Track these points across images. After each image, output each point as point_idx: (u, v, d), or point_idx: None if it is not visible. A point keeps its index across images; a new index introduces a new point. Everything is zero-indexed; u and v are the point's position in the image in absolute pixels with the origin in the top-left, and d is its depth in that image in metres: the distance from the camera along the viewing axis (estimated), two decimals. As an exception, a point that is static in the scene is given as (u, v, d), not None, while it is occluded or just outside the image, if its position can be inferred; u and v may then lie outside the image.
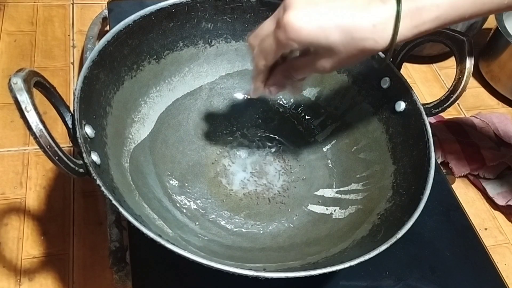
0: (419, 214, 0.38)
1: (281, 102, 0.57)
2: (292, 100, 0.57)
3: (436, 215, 0.52)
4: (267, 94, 0.41)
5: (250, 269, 0.33)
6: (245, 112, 0.56)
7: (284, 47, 0.34)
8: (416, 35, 0.33)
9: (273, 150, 0.54)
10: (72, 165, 0.33)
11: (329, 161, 0.53)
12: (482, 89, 0.94)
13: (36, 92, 0.32)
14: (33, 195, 0.62)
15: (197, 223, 0.45)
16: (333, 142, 0.54)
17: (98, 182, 0.33)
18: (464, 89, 0.44)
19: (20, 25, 0.83)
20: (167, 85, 0.51)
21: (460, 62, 0.43)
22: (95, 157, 0.36)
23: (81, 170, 0.34)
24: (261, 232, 0.47)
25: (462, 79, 0.43)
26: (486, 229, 0.72)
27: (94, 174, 0.34)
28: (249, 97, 0.56)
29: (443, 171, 0.63)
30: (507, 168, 0.75)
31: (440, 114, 0.49)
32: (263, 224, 0.48)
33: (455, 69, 0.44)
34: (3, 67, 0.76)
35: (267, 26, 0.36)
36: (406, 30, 0.32)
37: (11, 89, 0.29)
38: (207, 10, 0.50)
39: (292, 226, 0.48)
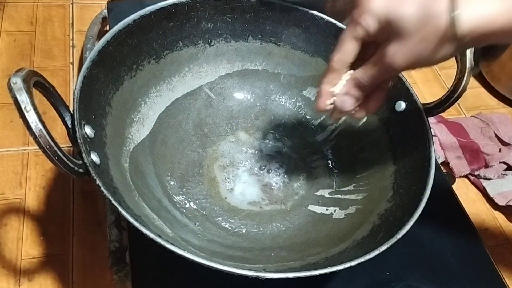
0: (419, 215, 0.38)
1: (281, 103, 0.57)
2: (292, 100, 0.57)
3: (437, 215, 0.52)
4: (339, 109, 0.35)
5: (250, 269, 0.33)
6: (245, 112, 0.56)
7: (357, 27, 0.31)
8: (508, 22, 0.27)
9: (273, 150, 0.54)
10: (71, 165, 0.33)
11: (329, 161, 0.53)
12: (483, 89, 0.94)
13: (35, 92, 0.32)
14: (32, 195, 0.62)
15: (197, 223, 0.45)
16: (333, 142, 0.54)
17: (98, 182, 0.33)
18: (464, 89, 0.44)
19: (19, 25, 0.83)
20: (166, 85, 0.51)
21: (461, 62, 0.43)
22: (94, 157, 0.36)
23: (81, 170, 0.34)
24: (261, 232, 0.47)
25: (463, 79, 0.43)
26: (486, 229, 0.72)
27: (93, 174, 0.34)
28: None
29: (444, 171, 0.63)
30: (507, 168, 0.75)
31: (441, 114, 0.49)
32: (263, 224, 0.48)
33: (456, 69, 0.44)
34: (3, 67, 0.76)
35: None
36: (495, 10, 0.27)
37: (10, 89, 0.29)
38: (207, 10, 0.50)
39: (292, 226, 0.48)
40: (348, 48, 0.33)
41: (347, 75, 0.35)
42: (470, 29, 0.28)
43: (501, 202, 0.72)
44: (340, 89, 0.35)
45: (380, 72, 0.33)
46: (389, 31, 0.30)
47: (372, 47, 0.33)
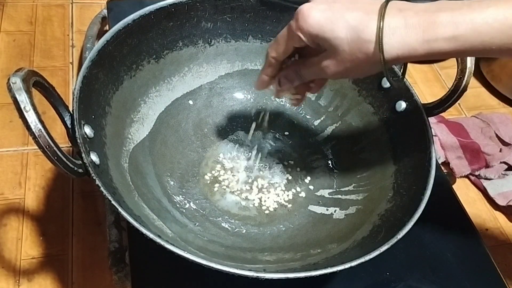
0: (419, 215, 0.38)
1: (281, 103, 0.57)
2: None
3: (437, 215, 0.52)
4: (277, 87, 0.40)
5: (250, 269, 0.33)
6: (245, 112, 0.56)
7: (293, 38, 0.34)
8: (428, 52, 0.31)
9: (273, 150, 0.54)
10: (71, 165, 0.33)
11: (330, 162, 0.53)
12: (483, 89, 0.94)
13: (35, 92, 0.32)
14: (32, 196, 0.62)
15: (197, 223, 0.45)
16: (334, 142, 0.54)
17: (97, 182, 0.33)
18: (465, 89, 0.44)
19: (19, 25, 0.83)
20: (166, 85, 0.51)
21: (461, 62, 0.43)
22: (94, 157, 0.36)
23: (80, 170, 0.33)
24: (261, 232, 0.47)
25: (463, 79, 0.43)
26: (487, 229, 0.71)
27: (93, 174, 0.33)
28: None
29: (444, 171, 0.62)
30: (508, 169, 0.75)
31: (441, 114, 0.49)
32: (263, 224, 0.47)
33: (456, 69, 0.44)
34: (2, 67, 0.75)
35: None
36: (417, 42, 0.30)
37: (10, 89, 0.29)
38: (206, 9, 0.50)
39: (292, 226, 0.48)
40: (282, 50, 0.36)
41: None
42: (395, 55, 0.31)
43: (501, 202, 0.72)
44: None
45: (314, 74, 0.37)
46: (324, 46, 0.33)
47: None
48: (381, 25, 0.30)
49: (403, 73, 0.44)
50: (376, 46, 0.31)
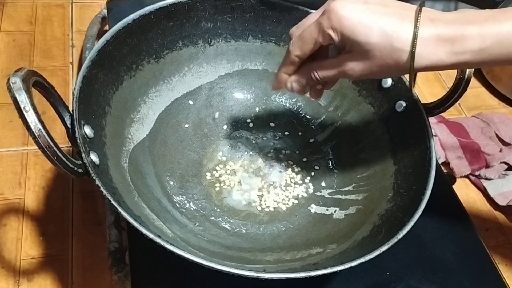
0: (420, 215, 0.38)
1: (281, 103, 0.57)
2: (292, 100, 0.57)
3: (437, 215, 0.52)
4: (289, 90, 0.39)
5: (250, 270, 0.33)
6: (245, 112, 0.56)
7: (323, 36, 0.33)
8: (455, 63, 0.32)
9: (273, 150, 0.54)
10: (71, 165, 0.33)
11: (330, 161, 0.53)
12: (483, 89, 0.93)
13: (35, 92, 0.32)
14: (32, 196, 0.62)
15: (197, 223, 0.45)
16: (334, 142, 0.54)
17: (97, 182, 0.33)
18: (465, 89, 0.44)
19: (19, 25, 0.83)
20: (166, 85, 0.51)
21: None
22: (94, 157, 0.36)
23: (80, 170, 0.33)
24: (261, 232, 0.47)
25: (463, 79, 0.43)
26: (487, 229, 0.71)
27: (93, 174, 0.33)
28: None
29: (444, 171, 0.62)
30: (508, 169, 0.75)
31: (441, 114, 0.49)
32: (263, 224, 0.47)
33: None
34: (2, 67, 0.75)
35: (312, 16, 0.35)
36: (445, 54, 0.31)
37: (10, 89, 0.29)
38: (206, 9, 0.50)
39: (292, 226, 0.48)
40: (308, 49, 0.36)
41: None
42: (424, 65, 0.32)
43: (501, 202, 0.72)
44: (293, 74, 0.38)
45: (335, 76, 0.36)
46: (352, 47, 0.33)
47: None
48: (416, 33, 0.31)
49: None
50: (407, 55, 0.31)
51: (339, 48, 0.35)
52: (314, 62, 0.37)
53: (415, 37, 0.31)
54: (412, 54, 0.31)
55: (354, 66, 0.34)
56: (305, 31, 0.35)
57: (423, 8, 0.32)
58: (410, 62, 0.32)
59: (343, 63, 0.34)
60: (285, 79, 0.39)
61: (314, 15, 0.35)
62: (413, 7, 0.32)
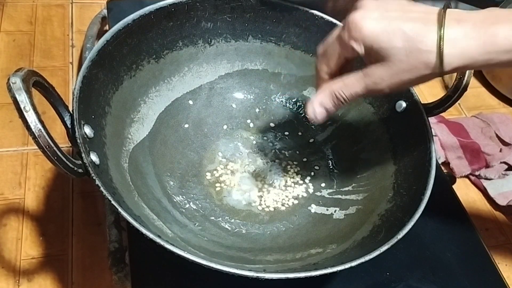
0: (420, 215, 0.38)
1: (281, 103, 0.57)
2: (292, 100, 0.57)
3: (437, 215, 0.52)
4: (312, 119, 0.37)
5: (250, 270, 0.33)
6: (245, 112, 0.56)
7: (346, 48, 0.33)
8: (487, 63, 0.31)
9: (273, 150, 0.54)
10: (71, 165, 0.32)
11: (330, 162, 0.53)
12: (483, 89, 0.93)
13: (35, 92, 0.32)
14: (32, 196, 0.62)
15: (197, 223, 0.45)
16: (334, 142, 0.54)
17: (97, 182, 0.33)
18: (465, 89, 0.44)
19: (19, 25, 0.83)
20: (166, 85, 0.51)
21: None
22: (94, 157, 0.36)
23: (80, 170, 0.33)
24: (261, 232, 0.47)
25: (463, 79, 0.43)
26: (487, 229, 0.71)
27: (93, 174, 0.33)
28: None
29: (444, 171, 0.62)
30: (508, 169, 0.75)
31: (441, 114, 0.49)
32: (263, 224, 0.47)
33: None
34: (2, 67, 0.75)
35: (335, 32, 0.34)
36: (477, 53, 0.30)
37: (9, 89, 0.29)
38: (206, 9, 0.49)
39: (292, 226, 0.48)
40: (334, 64, 0.35)
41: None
42: (455, 66, 0.31)
43: (501, 202, 0.72)
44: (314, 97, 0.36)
45: (362, 90, 0.34)
46: (377, 56, 0.32)
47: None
48: (442, 34, 0.30)
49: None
50: (436, 56, 0.31)
51: (364, 62, 0.34)
52: (337, 80, 0.35)
53: (440, 39, 0.30)
54: (440, 55, 0.30)
55: (383, 75, 0.33)
56: (329, 47, 0.34)
57: (448, 10, 0.31)
58: (439, 63, 0.31)
59: (370, 74, 0.33)
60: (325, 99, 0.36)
61: (337, 31, 0.34)
62: (436, 10, 0.32)
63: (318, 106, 0.36)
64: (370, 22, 0.31)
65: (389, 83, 0.33)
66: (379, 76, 0.33)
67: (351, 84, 0.34)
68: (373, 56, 0.32)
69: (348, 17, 0.32)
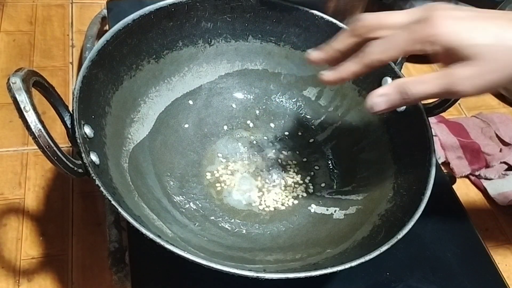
0: (420, 215, 0.38)
1: (281, 103, 0.57)
2: (292, 100, 0.57)
3: (437, 215, 0.52)
4: (369, 110, 0.34)
5: (250, 270, 0.33)
6: (245, 112, 0.56)
7: (416, 46, 0.31)
8: None
9: (273, 150, 0.54)
10: (71, 165, 0.32)
11: (330, 162, 0.53)
12: (483, 89, 0.93)
13: (35, 92, 0.32)
14: (32, 196, 0.62)
15: (197, 223, 0.45)
16: (334, 142, 0.54)
17: (97, 182, 0.33)
18: (465, 89, 0.44)
19: (19, 25, 0.83)
20: (166, 85, 0.51)
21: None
22: (94, 157, 0.36)
23: (80, 170, 0.33)
24: (261, 232, 0.47)
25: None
26: (487, 229, 0.71)
27: (93, 174, 0.33)
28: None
29: (444, 171, 0.62)
30: (508, 169, 0.75)
31: (441, 114, 0.49)
32: (263, 224, 0.47)
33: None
34: (2, 67, 0.75)
35: (399, 16, 0.32)
36: None
37: (9, 89, 0.29)
38: (206, 9, 0.49)
39: (292, 226, 0.48)
40: (391, 56, 0.32)
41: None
42: None
43: (501, 202, 0.72)
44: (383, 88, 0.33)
45: (439, 91, 0.32)
46: (458, 56, 0.30)
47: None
48: None
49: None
50: None
51: (437, 61, 0.32)
52: (408, 78, 0.33)
53: None
54: None
55: (466, 74, 0.30)
56: (394, 36, 0.32)
57: None
58: None
59: (451, 74, 0.31)
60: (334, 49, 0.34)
61: (402, 15, 0.32)
62: (509, 13, 0.30)
63: (379, 97, 0.33)
64: (449, 21, 0.30)
65: (471, 83, 0.30)
66: (462, 76, 0.30)
67: (428, 80, 0.32)
68: (453, 55, 0.30)
69: (426, 11, 0.31)
